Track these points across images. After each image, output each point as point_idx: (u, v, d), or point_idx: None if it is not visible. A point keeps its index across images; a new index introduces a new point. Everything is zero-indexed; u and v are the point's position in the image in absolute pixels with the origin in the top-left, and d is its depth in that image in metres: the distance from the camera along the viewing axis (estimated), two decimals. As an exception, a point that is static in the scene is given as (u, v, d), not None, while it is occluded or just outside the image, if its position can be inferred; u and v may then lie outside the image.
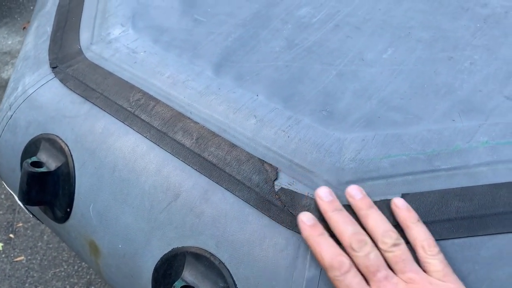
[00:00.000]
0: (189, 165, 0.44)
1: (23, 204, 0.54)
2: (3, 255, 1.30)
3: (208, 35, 0.55)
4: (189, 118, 0.47)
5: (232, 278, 0.39)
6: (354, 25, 0.56)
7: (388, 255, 0.35)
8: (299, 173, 0.41)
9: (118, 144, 0.48)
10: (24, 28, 2.09)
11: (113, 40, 0.56)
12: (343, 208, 0.37)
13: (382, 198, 0.38)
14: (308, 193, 0.39)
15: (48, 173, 0.50)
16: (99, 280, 1.24)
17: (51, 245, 1.32)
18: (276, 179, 0.41)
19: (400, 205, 0.37)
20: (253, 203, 0.40)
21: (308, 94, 0.47)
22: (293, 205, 0.39)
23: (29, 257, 1.29)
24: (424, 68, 0.49)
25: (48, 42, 0.60)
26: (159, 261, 0.43)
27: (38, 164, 0.50)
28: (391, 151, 0.40)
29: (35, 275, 1.26)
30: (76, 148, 0.50)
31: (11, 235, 1.34)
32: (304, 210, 0.38)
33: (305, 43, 0.54)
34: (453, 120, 0.43)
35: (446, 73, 0.48)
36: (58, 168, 0.50)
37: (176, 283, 0.39)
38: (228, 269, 0.39)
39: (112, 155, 0.48)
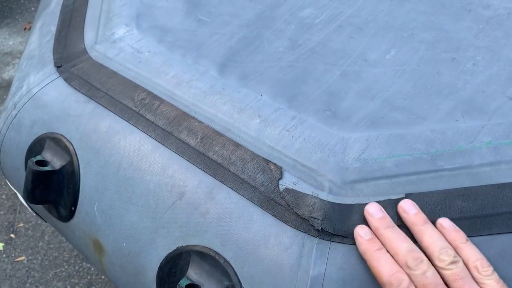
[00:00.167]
0: (194, 164, 0.44)
1: (28, 203, 0.54)
2: (4, 255, 1.30)
3: (212, 35, 0.56)
4: (193, 117, 0.47)
5: (237, 277, 0.39)
6: (357, 26, 0.56)
7: (446, 273, 0.35)
8: (304, 173, 0.41)
9: (123, 143, 0.48)
10: (25, 29, 2.10)
11: (118, 40, 0.56)
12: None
13: (386, 198, 0.39)
14: (313, 192, 0.40)
15: (53, 171, 0.50)
16: (100, 281, 1.24)
17: (52, 245, 1.32)
18: (280, 178, 0.41)
19: (446, 226, 0.37)
20: (257, 202, 0.40)
21: (312, 94, 0.47)
22: (297, 205, 0.39)
23: (30, 257, 1.29)
24: (427, 69, 0.50)
25: (52, 42, 0.61)
26: (163, 259, 0.43)
27: (43, 163, 0.51)
28: (395, 151, 0.41)
29: (36, 275, 1.26)
30: (81, 147, 0.50)
31: (12, 235, 1.34)
32: (309, 210, 0.38)
33: (308, 43, 0.54)
34: (456, 121, 0.43)
35: (449, 74, 0.49)
36: (62, 167, 0.50)
37: (181, 281, 0.40)
38: (233, 268, 0.39)
39: (117, 154, 0.48)
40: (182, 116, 0.47)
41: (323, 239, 0.37)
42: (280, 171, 0.41)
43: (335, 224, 0.37)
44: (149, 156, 0.46)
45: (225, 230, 0.41)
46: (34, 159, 0.51)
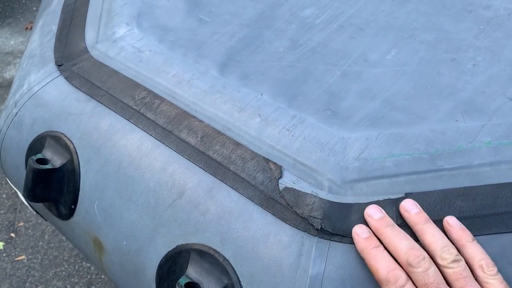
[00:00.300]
0: (194, 163, 0.44)
1: (28, 201, 0.54)
2: (4, 254, 1.30)
3: (213, 35, 0.56)
4: (194, 116, 0.47)
5: (236, 275, 0.39)
6: (358, 26, 0.57)
7: (448, 271, 0.35)
8: (303, 172, 0.41)
9: (124, 142, 0.48)
10: (26, 28, 2.10)
11: (119, 39, 0.57)
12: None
13: (386, 197, 0.39)
14: (313, 191, 0.40)
15: (53, 170, 0.50)
16: (100, 280, 1.24)
17: (52, 245, 1.32)
18: (280, 177, 0.41)
19: (453, 224, 0.36)
20: (257, 201, 0.40)
21: (312, 93, 0.47)
22: (297, 204, 0.39)
23: (30, 257, 1.29)
24: (427, 69, 0.50)
25: (53, 41, 0.61)
26: (163, 258, 0.43)
27: (43, 161, 0.51)
28: (394, 151, 0.41)
29: (36, 274, 1.26)
30: (81, 146, 0.50)
31: (12, 234, 1.35)
32: (308, 209, 0.38)
33: (309, 43, 0.54)
34: (456, 121, 0.43)
35: (449, 74, 0.49)
36: (63, 165, 0.50)
37: (180, 279, 0.40)
38: (232, 266, 0.39)
39: (117, 152, 0.48)
40: (182, 115, 0.47)
41: (322, 238, 0.37)
42: (280, 170, 0.41)
43: (334, 223, 0.37)
44: (149, 155, 0.46)
45: (224, 228, 0.41)
46: (35, 157, 0.51)
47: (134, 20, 0.58)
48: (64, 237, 1.33)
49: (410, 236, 0.36)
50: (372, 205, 0.37)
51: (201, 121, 0.47)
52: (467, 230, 0.36)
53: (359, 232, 0.36)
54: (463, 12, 0.58)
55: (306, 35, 0.56)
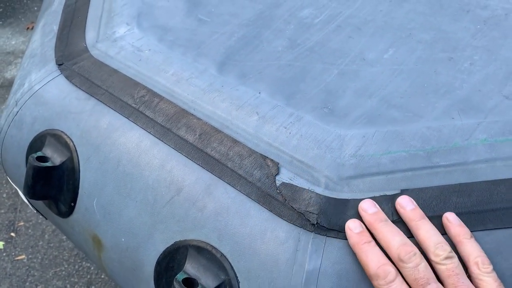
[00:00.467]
0: (192, 160, 0.44)
1: (28, 198, 0.55)
2: (4, 254, 1.30)
3: (212, 34, 0.56)
4: (192, 114, 0.48)
5: (234, 271, 0.39)
6: (356, 26, 0.57)
7: (440, 268, 0.35)
8: (300, 169, 0.41)
9: (123, 140, 0.48)
10: (28, 28, 2.11)
11: (119, 39, 0.57)
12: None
13: (382, 194, 0.39)
14: (309, 188, 0.40)
15: (53, 167, 0.50)
16: (100, 280, 1.25)
17: (52, 244, 1.32)
18: (277, 174, 0.41)
19: (452, 220, 0.37)
20: (254, 198, 0.41)
21: (310, 92, 0.48)
22: (294, 199, 0.39)
23: (30, 256, 1.30)
24: (425, 68, 0.50)
25: (54, 40, 0.61)
26: (161, 254, 0.44)
27: (43, 159, 0.51)
28: (391, 148, 0.41)
29: (35, 274, 1.26)
30: (81, 143, 0.51)
31: (13, 234, 1.35)
32: (305, 204, 0.39)
33: (307, 43, 0.55)
34: (453, 118, 0.43)
35: (446, 73, 0.49)
36: (63, 163, 0.51)
37: (178, 275, 0.40)
38: (229, 262, 0.40)
39: (116, 150, 0.48)
40: (181, 113, 0.48)
41: (318, 233, 0.38)
42: (277, 167, 0.42)
43: (330, 219, 0.38)
44: (148, 152, 0.47)
45: (222, 225, 0.41)
46: (35, 155, 0.51)
47: (134, 20, 0.59)
48: (64, 237, 1.33)
49: (405, 232, 0.37)
50: (366, 199, 0.38)
51: (199, 119, 0.47)
52: (465, 227, 0.37)
53: (352, 226, 0.37)
54: (461, 12, 0.58)
55: (304, 35, 0.56)
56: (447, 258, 0.35)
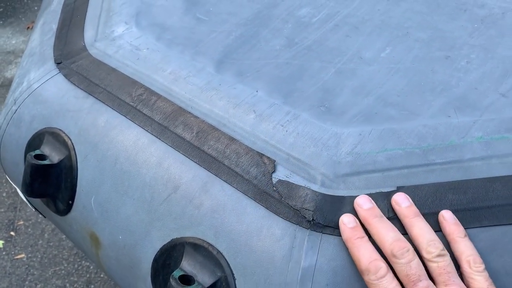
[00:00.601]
0: (189, 158, 0.45)
1: (26, 196, 0.55)
2: (4, 253, 1.31)
3: (210, 33, 0.57)
4: (189, 112, 0.48)
5: (230, 268, 0.40)
6: (353, 25, 0.57)
7: (432, 265, 0.35)
8: (297, 166, 0.41)
9: (120, 138, 0.49)
10: (28, 28, 2.12)
11: (117, 38, 0.57)
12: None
13: (378, 191, 0.39)
14: (306, 185, 0.40)
15: (51, 165, 0.51)
16: (99, 279, 1.25)
17: (51, 243, 1.33)
18: (274, 171, 0.41)
19: (447, 218, 0.37)
20: (251, 195, 0.41)
21: (307, 90, 0.48)
22: (290, 196, 0.39)
23: (29, 255, 1.30)
24: (421, 67, 0.50)
25: (53, 39, 0.62)
26: (158, 251, 0.44)
27: (41, 157, 0.51)
28: (387, 145, 0.41)
29: (35, 273, 1.26)
30: (79, 142, 0.51)
31: (12, 233, 1.35)
32: (301, 201, 0.39)
33: (305, 41, 0.55)
34: (449, 116, 0.44)
35: (443, 72, 0.49)
36: (61, 161, 0.51)
37: (174, 272, 0.40)
38: (225, 259, 0.40)
39: (114, 148, 0.49)
40: (178, 111, 0.48)
41: (314, 230, 0.38)
42: (273, 164, 0.42)
43: (326, 216, 0.38)
44: (145, 150, 0.47)
45: (218, 222, 0.41)
46: (33, 153, 0.51)
47: (133, 19, 0.59)
48: (63, 236, 1.34)
49: (400, 229, 0.37)
50: (362, 195, 0.38)
51: (196, 117, 0.47)
52: (460, 225, 0.37)
53: (346, 221, 0.37)
54: (458, 11, 0.58)
55: (302, 34, 0.56)
56: (439, 255, 0.35)
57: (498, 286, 0.35)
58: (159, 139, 0.47)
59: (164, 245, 0.43)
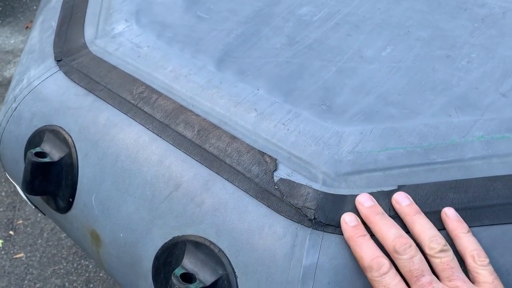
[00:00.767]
0: (190, 156, 0.45)
1: (26, 194, 0.55)
2: (3, 252, 1.30)
3: (210, 31, 0.57)
4: (191, 110, 0.48)
5: (231, 266, 0.40)
6: (354, 23, 0.57)
7: (435, 261, 0.35)
8: (298, 165, 0.41)
9: (121, 135, 0.48)
10: (27, 27, 2.11)
11: (117, 35, 0.57)
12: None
13: (379, 190, 0.39)
14: (307, 184, 0.40)
15: (52, 163, 0.50)
16: (98, 278, 1.25)
17: (50, 243, 1.32)
18: (275, 170, 0.41)
19: (450, 215, 0.37)
20: (252, 193, 0.41)
21: (308, 89, 0.48)
22: (291, 195, 0.40)
23: (28, 254, 1.30)
24: (422, 66, 0.50)
25: (53, 36, 0.61)
26: (159, 249, 0.44)
27: (42, 154, 0.51)
28: (388, 144, 0.41)
29: (34, 272, 1.26)
30: (80, 139, 0.51)
31: (11, 232, 1.35)
32: (302, 200, 0.39)
33: (305, 40, 0.55)
34: (450, 115, 0.44)
35: (444, 71, 0.49)
36: (61, 159, 0.51)
37: (175, 270, 0.40)
38: (227, 257, 0.40)
39: (114, 146, 0.48)
40: (179, 109, 0.48)
41: (316, 229, 0.38)
42: (275, 163, 0.42)
43: (327, 214, 0.38)
44: (146, 148, 0.47)
45: (220, 220, 0.41)
46: (33, 151, 0.51)
47: (133, 17, 0.59)
48: (63, 235, 1.33)
49: (401, 227, 0.37)
50: (363, 193, 0.38)
51: (197, 115, 0.47)
52: (463, 221, 0.37)
53: (347, 220, 0.37)
54: (458, 10, 0.58)
55: (302, 32, 0.56)
56: (441, 251, 0.35)
57: (499, 284, 0.35)
58: (160, 137, 0.47)
59: (166, 243, 0.43)
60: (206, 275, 0.40)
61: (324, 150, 0.42)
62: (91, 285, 1.23)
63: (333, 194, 0.39)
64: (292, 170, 0.41)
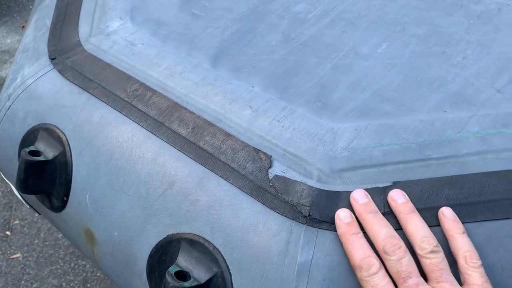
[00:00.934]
0: (184, 154, 0.44)
1: (20, 193, 0.55)
2: (0, 252, 1.30)
3: (205, 28, 0.56)
4: (185, 108, 0.47)
5: (226, 263, 0.39)
6: (350, 20, 0.57)
7: (425, 262, 0.35)
8: (293, 162, 0.41)
9: (115, 133, 0.48)
10: (23, 27, 2.10)
11: (112, 33, 0.57)
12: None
13: (374, 186, 0.39)
14: (302, 180, 0.40)
15: (46, 162, 0.50)
16: (95, 278, 1.24)
17: (47, 243, 1.32)
18: (270, 167, 0.41)
19: (447, 215, 0.37)
20: (247, 190, 0.41)
21: (303, 86, 0.48)
22: (286, 191, 0.39)
23: (25, 254, 1.29)
24: (418, 62, 0.50)
25: (47, 35, 0.61)
26: (154, 247, 0.44)
27: (36, 153, 0.51)
28: (383, 140, 0.41)
29: (31, 272, 1.26)
30: (74, 137, 0.51)
31: (8, 232, 1.34)
32: (297, 196, 0.39)
33: (301, 37, 0.55)
34: (445, 111, 0.43)
35: (439, 67, 0.49)
36: (55, 157, 0.51)
37: (170, 268, 0.40)
38: (222, 254, 0.40)
39: (109, 144, 0.48)
40: (174, 106, 0.48)
41: (310, 225, 0.38)
42: (269, 160, 0.41)
43: (322, 211, 0.38)
44: (140, 146, 0.47)
45: (214, 218, 0.41)
46: (27, 149, 0.51)
47: (128, 14, 0.59)
48: (59, 235, 1.33)
49: (395, 225, 0.37)
50: (359, 189, 0.38)
51: (192, 112, 0.47)
52: (459, 222, 0.37)
53: (342, 216, 0.37)
54: (454, 6, 0.58)
55: (298, 29, 0.56)
56: (432, 252, 0.35)
57: (493, 281, 0.35)
58: (155, 134, 0.46)
59: (160, 241, 0.43)
60: (200, 273, 0.40)
61: (319, 146, 0.41)
62: (88, 285, 1.23)
63: (327, 190, 0.39)
64: (287, 167, 0.41)
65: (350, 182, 0.39)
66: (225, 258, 0.40)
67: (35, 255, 1.29)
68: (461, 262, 0.35)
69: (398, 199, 0.37)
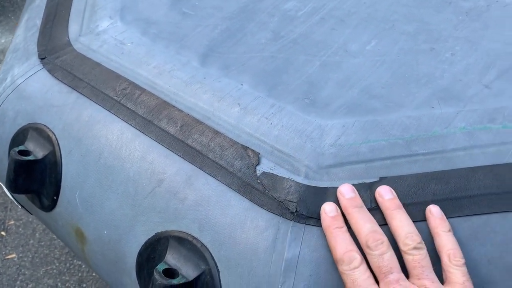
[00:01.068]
0: (173, 152, 0.44)
1: (10, 192, 0.55)
2: (-5, 253, 1.30)
3: (195, 27, 0.56)
4: (174, 106, 0.47)
5: (214, 260, 0.39)
6: (339, 18, 0.57)
7: (408, 258, 0.35)
8: (281, 158, 0.41)
9: (104, 132, 0.48)
10: (18, 27, 2.09)
11: (102, 32, 0.57)
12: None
13: (360, 181, 0.39)
14: (289, 177, 0.40)
15: (35, 161, 0.50)
16: (91, 278, 1.24)
17: (43, 243, 1.32)
18: (258, 164, 0.41)
19: (434, 213, 0.37)
20: (235, 188, 0.41)
21: (292, 83, 0.48)
22: (274, 188, 0.39)
23: (20, 255, 1.29)
24: (406, 59, 0.50)
25: (37, 35, 0.61)
26: (143, 245, 0.44)
27: (25, 152, 0.51)
28: (370, 137, 0.41)
29: (26, 272, 1.25)
30: (63, 137, 0.51)
31: (3, 233, 1.34)
32: (285, 193, 0.39)
33: (290, 35, 0.55)
34: (432, 107, 0.44)
35: (428, 64, 0.49)
36: (45, 157, 0.51)
37: (158, 266, 0.40)
38: (210, 252, 0.40)
39: (98, 142, 0.48)
40: (162, 105, 0.48)
41: (298, 222, 0.38)
42: (257, 157, 0.42)
43: (309, 207, 0.38)
44: (129, 144, 0.47)
45: (203, 215, 0.41)
46: (17, 149, 0.51)
47: (118, 14, 0.59)
48: (55, 235, 1.33)
49: (381, 220, 0.37)
50: (346, 184, 0.38)
51: (181, 110, 0.47)
52: (446, 220, 0.37)
53: (327, 210, 0.37)
54: (443, 3, 0.58)
55: (288, 27, 0.56)
56: (415, 248, 0.35)
57: (480, 275, 0.36)
58: (143, 133, 0.46)
59: (149, 239, 0.43)
60: (188, 270, 0.40)
61: (307, 143, 0.42)
62: (84, 285, 1.22)
63: (315, 186, 0.39)
64: (274, 164, 0.41)
65: (338, 178, 0.39)
66: (213, 255, 0.40)
67: (30, 256, 1.29)
68: (445, 259, 0.35)
69: (385, 195, 0.38)
